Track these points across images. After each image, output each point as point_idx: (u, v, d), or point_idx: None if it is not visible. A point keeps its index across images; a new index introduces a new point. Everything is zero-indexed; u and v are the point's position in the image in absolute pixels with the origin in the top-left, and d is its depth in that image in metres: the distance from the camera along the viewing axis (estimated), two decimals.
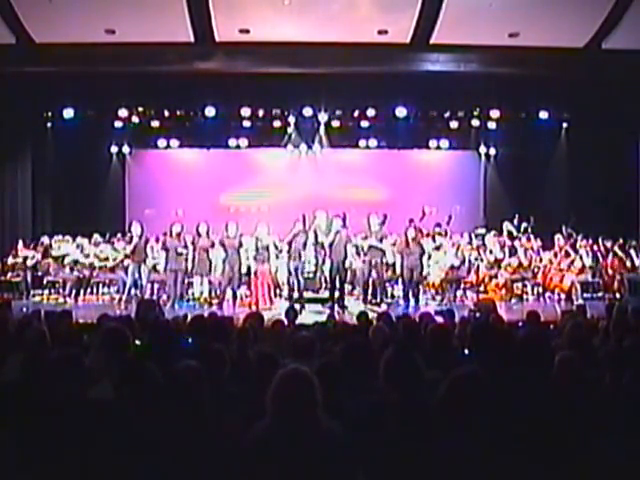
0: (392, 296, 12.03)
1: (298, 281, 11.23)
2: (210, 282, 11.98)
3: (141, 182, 15.88)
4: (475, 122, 14.79)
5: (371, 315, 6.87)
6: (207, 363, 3.35)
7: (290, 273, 11.36)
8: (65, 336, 4.93)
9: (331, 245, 11.00)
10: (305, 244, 11.43)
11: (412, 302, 11.22)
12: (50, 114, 14.50)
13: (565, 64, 11.44)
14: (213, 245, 11.56)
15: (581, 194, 14.17)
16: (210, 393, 3.07)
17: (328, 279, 11.41)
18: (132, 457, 2.77)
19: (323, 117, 14.26)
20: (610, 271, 12.32)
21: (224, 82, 12.51)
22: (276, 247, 11.86)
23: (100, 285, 12.88)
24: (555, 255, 12.46)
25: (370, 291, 11.60)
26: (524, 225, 13.29)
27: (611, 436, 2.84)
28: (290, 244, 11.28)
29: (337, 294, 10.95)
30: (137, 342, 4.49)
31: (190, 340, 5.06)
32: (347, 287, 12.06)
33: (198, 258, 11.61)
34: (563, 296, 11.97)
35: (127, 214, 15.32)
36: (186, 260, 11.62)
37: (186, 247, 11.58)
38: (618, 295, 11.85)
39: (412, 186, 15.54)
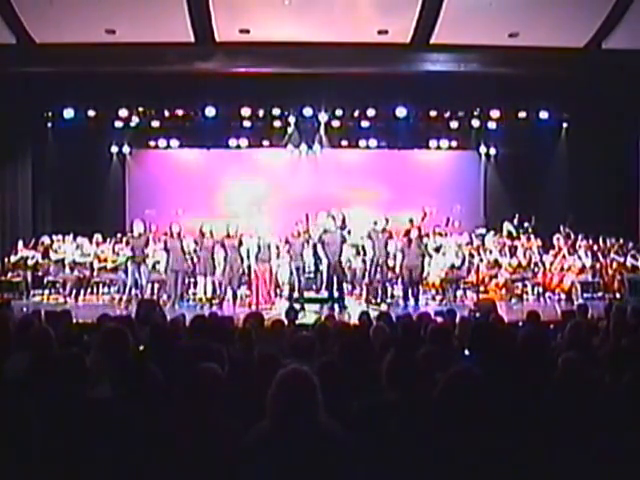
0: (392, 296, 12.02)
1: (299, 281, 11.23)
2: (213, 282, 11.97)
3: (141, 182, 15.89)
4: (475, 122, 14.79)
5: (371, 315, 6.87)
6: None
7: (291, 273, 11.37)
8: (65, 336, 4.93)
9: (327, 245, 10.98)
10: (307, 243, 11.43)
11: (412, 302, 11.22)
12: (50, 114, 14.51)
13: (565, 64, 11.44)
14: (215, 245, 11.57)
15: (581, 194, 14.17)
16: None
17: (325, 279, 11.41)
18: (132, 457, 2.77)
19: (323, 117, 14.26)
20: (610, 271, 12.32)
21: (224, 82, 12.51)
22: (277, 247, 11.85)
23: (100, 285, 12.88)
24: (555, 255, 12.46)
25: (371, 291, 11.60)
26: (524, 225, 13.29)
27: (611, 436, 2.84)
28: (290, 244, 11.29)
29: (336, 294, 10.94)
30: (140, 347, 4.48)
31: (188, 340, 5.05)
32: (347, 287, 12.06)
33: (203, 258, 11.62)
34: (563, 296, 11.97)
35: (127, 214, 15.33)
36: (188, 260, 11.62)
37: (188, 246, 11.60)
38: (618, 295, 11.85)
39: (412, 186, 15.53)
